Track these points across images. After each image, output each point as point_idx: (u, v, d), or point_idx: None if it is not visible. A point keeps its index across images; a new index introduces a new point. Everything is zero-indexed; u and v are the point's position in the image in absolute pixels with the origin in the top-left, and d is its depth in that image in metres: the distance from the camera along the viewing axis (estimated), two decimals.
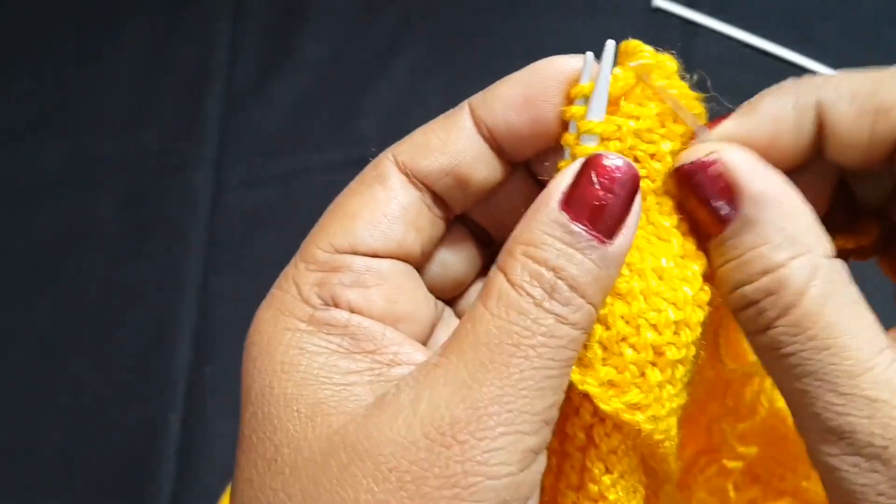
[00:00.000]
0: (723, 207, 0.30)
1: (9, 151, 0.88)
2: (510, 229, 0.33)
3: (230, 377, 0.76)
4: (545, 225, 0.28)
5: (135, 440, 0.75)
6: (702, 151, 0.31)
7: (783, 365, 0.29)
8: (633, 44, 0.31)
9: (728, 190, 0.30)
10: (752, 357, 0.38)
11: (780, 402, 0.39)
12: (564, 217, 0.28)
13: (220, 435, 0.74)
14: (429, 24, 0.90)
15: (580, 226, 0.28)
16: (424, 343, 0.32)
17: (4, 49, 0.94)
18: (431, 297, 0.34)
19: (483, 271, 0.36)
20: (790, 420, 0.40)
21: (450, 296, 0.35)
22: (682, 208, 0.32)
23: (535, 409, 0.27)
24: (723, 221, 0.30)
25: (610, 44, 0.31)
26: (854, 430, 0.28)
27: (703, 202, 0.30)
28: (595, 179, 0.28)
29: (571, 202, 0.28)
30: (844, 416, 0.28)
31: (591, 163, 0.29)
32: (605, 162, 0.29)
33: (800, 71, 0.82)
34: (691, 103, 0.32)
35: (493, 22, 0.90)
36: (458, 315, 0.35)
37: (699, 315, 0.30)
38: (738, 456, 0.39)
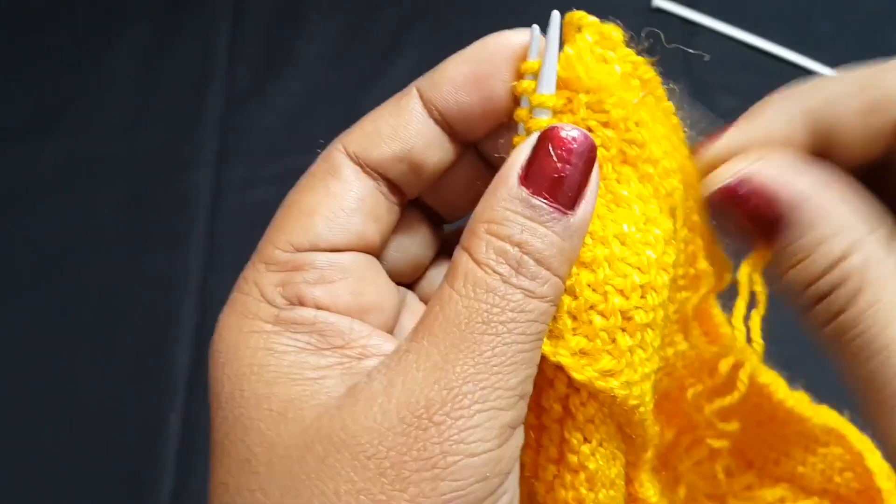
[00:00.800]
0: (770, 221, 0.31)
1: (9, 151, 0.88)
2: (462, 209, 0.34)
3: None
4: (506, 201, 0.28)
5: (135, 440, 0.75)
6: (727, 173, 0.31)
7: (855, 347, 0.30)
8: (577, 15, 0.32)
9: (769, 204, 0.31)
10: (727, 333, 0.38)
11: (763, 378, 0.39)
12: (525, 192, 0.28)
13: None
14: (429, 25, 0.90)
15: (541, 199, 0.28)
16: (391, 331, 0.32)
17: (4, 49, 0.94)
18: (394, 285, 0.33)
19: (440, 253, 0.36)
20: (776, 397, 0.40)
21: (409, 280, 0.35)
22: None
23: (509, 384, 0.27)
24: (775, 233, 0.31)
25: (555, 15, 0.31)
26: None
27: (752, 220, 0.31)
28: (552, 152, 0.28)
29: (530, 176, 0.28)
30: None
31: (547, 136, 0.29)
32: (562, 133, 0.29)
33: (800, 71, 0.82)
34: (643, 69, 0.32)
35: (492, 22, 0.89)
36: (422, 299, 0.35)
37: (664, 277, 0.30)
38: (720, 433, 0.39)
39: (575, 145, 0.29)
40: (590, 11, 0.32)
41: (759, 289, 0.34)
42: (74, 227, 0.84)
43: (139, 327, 0.79)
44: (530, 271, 0.28)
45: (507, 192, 0.28)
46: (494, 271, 0.28)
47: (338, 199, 0.31)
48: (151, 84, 0.90)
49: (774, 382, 0.40)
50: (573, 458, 0.31)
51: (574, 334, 0.29)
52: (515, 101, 0.31)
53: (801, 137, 0.32)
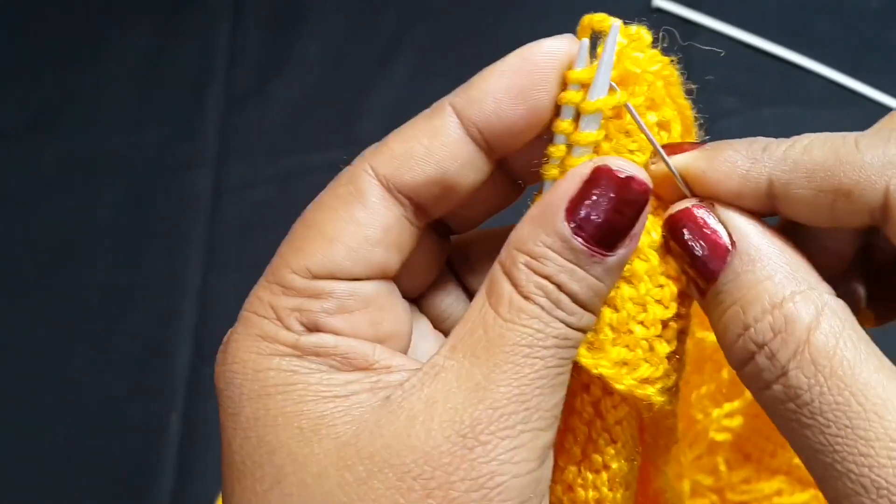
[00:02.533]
0: (712, 256, 0.29)
1: (9, 151, 0.88)
2: (474, 221, 0.33)
3: None
4: (548, 238, 0.28)
5: (135, 440, 0.75)
6: (689, 201, 0.30)
7: (801, 418, 0.26)
8: (597, 17, 0.31)
9: (715, 237, 0.29)
10: None
11: None
12: (567, 230, 0.27)
13: (220, 435, 0.74)
14: (428, 25, 0.90)
15: (582, 242, 0.27)
16: (405, 352, 0.32)
17: (4, 49, 0.94)
18: (408, 307, 0.33)
19: (446, 266, 0.35)
20: None
21: (415, 294, 0.35)
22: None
23: (548, 405, 0.27)
24: (716, 268, 0.29)
25: (615, 24, 0.30)
26: (893, 483, 0.25)
27: (694, 254, 0.29)
28: (605, 195, 0.28)
29: (576, 213, 0.28)
30: (882, 469, 0.25)
31: (602, 175, 0.28)
32: (617, 174, 0.28)
33: (800, 71, 0.82)
34: (668, 70, 0.31)
35: (493, 22, 0.90)
36: (426, 312, 0.35)
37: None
38: (723, 428, 0.39)
39: (629, 192, 0.28)
40: (590, 12, 0.32)
41: None
42: (74, 227, 0.84)
43: (139, 327, 0.79)
44: (568, 308, 0.28)
45: (551, 228, 0.28)
46: (536, 303, 0.28)
47: (362, 228, 0.30)
48: (151, 84, 0.90)
49: None
50: (598, 458, 0.31)
51: (614, 345, 0.30)
52: (555, 112, 0.30)
53: (758, 189, 0.29)
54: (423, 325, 0.34)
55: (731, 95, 0.78)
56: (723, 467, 0.42)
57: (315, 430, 0.27)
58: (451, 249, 0.35)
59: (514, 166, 0.32)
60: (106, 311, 0.80)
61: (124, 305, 0.80)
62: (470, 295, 0.36)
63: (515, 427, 0.27)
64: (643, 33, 0.31)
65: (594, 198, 0.28)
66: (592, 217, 0.27)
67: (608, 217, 0.28)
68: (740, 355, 0.28)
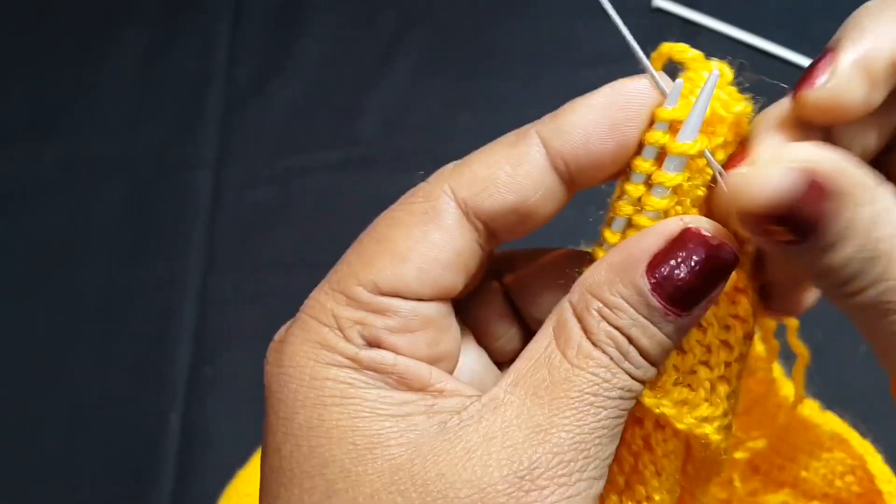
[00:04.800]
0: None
1: (9, 151, 0.88)
2: (522, 234, 0.32)
3: (230, 377, 0.76)
4: (625, 289, 0.27)
5: (135, 440, 0.75)
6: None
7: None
8: (678, 48, 0.30)
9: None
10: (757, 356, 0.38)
11: (784, 391, 0.39)
12: (646, 286, 0.27)
13: (220, 435, 0.74)
14: (429, 25, 0.90)
15: (659, 300, 0.27)
16: (453, 371, 0.32)
17: (4, 49, 0.94)
18: (459, 326, 0.32)
19: (508, 274, 0.35)
20: (790, 406, 0.40)
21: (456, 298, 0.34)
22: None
23: (605, 454, 0.27)
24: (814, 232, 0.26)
25: (715, 72, 0.29)
26: None
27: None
28: (692, 258, 0.27)
29: (657, 271, 0.27)
30: None
31: (692, 237, 0.27)
32: (710, 241, 0.27)
33: (800, 71, 0.82)
34: (745, 107, 0.31)
35: (493, 22, 0.90)
36: (467, 321, 0.34)
37: (752, 320, 0.31)
38: (745, 449, 0.39)
39: (718, 261, 0.27)
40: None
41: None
42: (74, 227, 0.84)
43: (139, 327, 0.79)
44: (635, 360, 0.28)
45: (629, 280, 0.27)
46: (605, 352, 0.27)
47: (435, 250, 0.29)
48: (151, 84, 0.90)
49: (792, 393, 0.40)
50: (641, 489, 0.31)
51: (676, 385, 0.30)
52: (637, 150, 0.30)
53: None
54: (465, 336, 0.34)
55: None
56: (738, 482, 0.43)
57: (370, 448, 0.27)
58: (494, 257, 0.35)
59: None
60: (106, 311, 0.80)
61: (124, 305, 0.80)
62: (512, 307, 0.35)
63: (573, 475, 0.26)
64: (726, 71, 0.30)
65: (679, 259, 0.27)
66: (674, 278, 0.27)
67: (690, 280, 0.27)
68: (836, 278, 0.27)
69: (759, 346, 0.38)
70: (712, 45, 0.84)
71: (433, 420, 0.28)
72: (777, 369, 0.39)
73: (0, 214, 0.85)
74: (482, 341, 0.35)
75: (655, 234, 0.28)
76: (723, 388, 0.30)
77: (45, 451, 0.75)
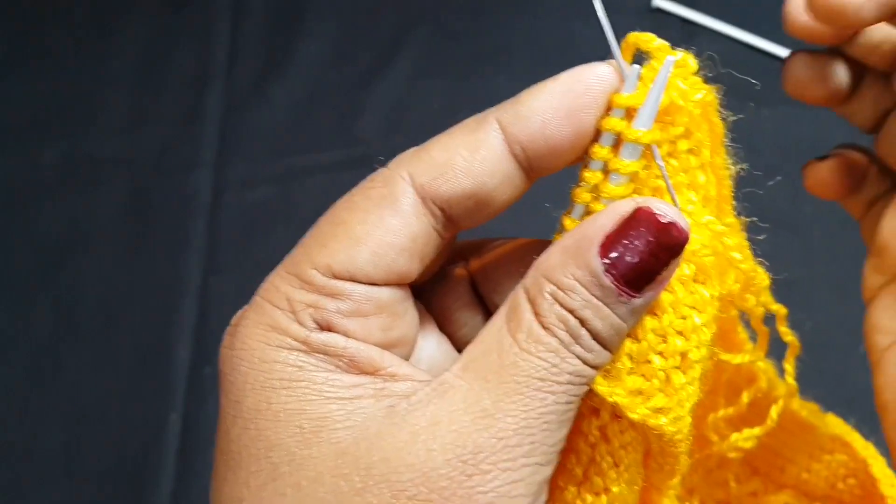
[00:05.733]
0: None
1: (9, 151, 0.88)
2: (481, 219, 0.32)
3: None
4: (578, 270, 0.27)
5: (135, 440, 0.75)
6: None
7: None
8: (644, 37, 0.30)
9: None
10: (747, 347, 0.38)
11: (779, 391, 0.39)
12: (599, 266, 0.27)
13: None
14: (429, 24, 0.90)
15: (612, 280, 0.27)
16: (409, 357, 0.31)
17: (4, 49, 0.94)
18: (416, 312, 0.32)
19: (448, 257, 0.35)
20: (791, 408, 0.40)
21: (418, 283, 0.34)
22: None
23: (552, 440, 0.27)
24: None
25: (671, 58, 0.29)
26: None
27: None
28: (644, 237, 0.27)
29: (610, 250, 0.27)
30: None
31: (644, 216, 0.27)
32: (660, 219, 0.27)
33: None
34: (710, 98, 0.31)
35: (493, 22, 0.90)
36: (430, 307, 0.34)
37: (714, 311, 0.30)
38: (738, 449, 0.39)
39: (670, 239, 0.27)
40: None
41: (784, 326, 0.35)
42: (74, 227, 0.84)
43: (139, 327, 0.79)
44: (587, 344, 0.28)
45: (583, 261, 0.27)
46: (555, 335, 0.27)
47: (390, 234, 0.29)
48: (151, 84, 0.90)
49: (790, 393, 0.40)
50: (598, 481, 0.31)
51: (630, 374, 0.29)
52: (594, 137, 0.29)
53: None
54: (427, 323, 0.34)
55: (731, 96, 0.78)
56: (733, 483, 0.42)
57: (315, 431, 0.27)
58: (457, 241, 0.35)
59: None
60: (106, 311, 0.80)
61: (124, 305, 0.80)
62: (478, 296, 0.35)
63: (517, 460, 0.26)
64: (689, 61, 0.30)
65: (631, 238, 0.27)
66: (627, 257, 0.27)
67: (643, 260, 0.27)
68: None
69: (747, 343, 0.38)
70: (712, 44, 0.84)
71: (381, 403, 0.28)
72: (771, 370, 0.38)
73: (1, 214, 0.86)
74: (446, 329, 0.34)
75: (608, 214, 0.28)
76: (678, 379, 0.30)
77: (45, 451, 0.75)
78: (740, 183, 0.33)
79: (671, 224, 0.27)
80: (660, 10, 0.86)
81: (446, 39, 0.89)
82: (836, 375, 0.66)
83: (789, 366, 0.37)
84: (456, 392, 0.27)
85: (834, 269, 0.69)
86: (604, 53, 0.30)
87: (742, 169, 0.33)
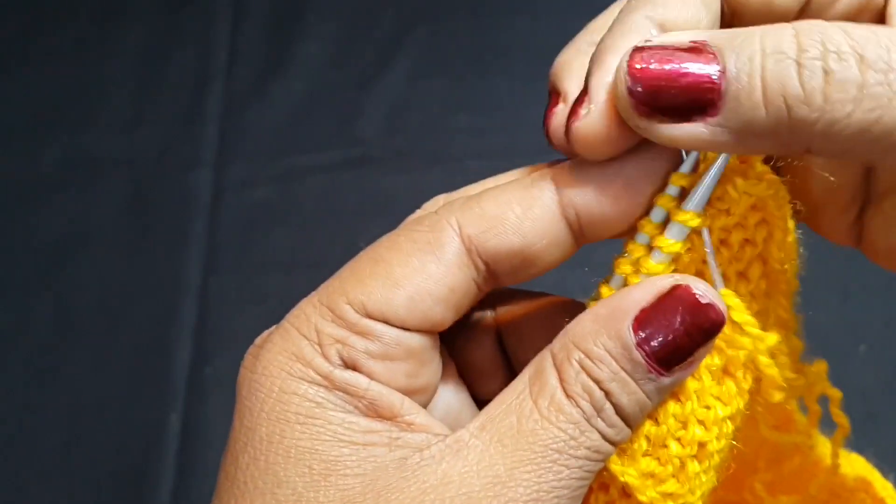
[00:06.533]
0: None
1: (9, 151, 0.88)
2: (524, 277, 0.31)
3: (230, 377, 0.75)
4: (609, 341, 0.27)
5: (135, 440, 0.75)
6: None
7: None
8: (751, 161, 0.29)
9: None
10: (799, 421, 0.37)
11: (820, 449, 0.39)
12: (631, 339, 0.27)
13: (220, 435, 0.74)
14: (429, 24, 0.90)
15: (643, 355, 0.27)
16: (428, 403, 0.31)
17: (4, 49, 0.94)
18: (441, 360, 0.32)
19: (505, 313, 0.34)
20: (828, 464, 0.40)
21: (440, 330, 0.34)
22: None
23: None
24: None
25: (726, 155, 0.28)
26: None
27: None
28: (680, 315, 0.27)
29: (644, 325, 0.27)
30: None
31: (682, 295, 0.27)
32: (699, 299, 0.27)
33: None
34: (778, 189, 0.30)
35: (492, 22, 0.90)
36: (450, 351, 0.33)
37: (741, 404, 0.30)
38: None
39: (705, 321, 0.27)
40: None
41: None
42: (74, 227, 0.84)
43: (139, 327, 0.79)
44: (610, 419, 0.27)
45: (615, 332, 0.27)
46: (578, 405, 0.27)
47: (430, 282, 0.28)
48: (151, 84, 0.90)
49: (827, 451, 0.40)
50: None
51: (645, 456, 0.29)
52: (646, 209, 0.29)
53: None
54: (447, 369, 0.33)
55: None
56: None
57: (325, 474, 0.27)
58: (490, 291, 0.34)
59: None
60: (106, 311, 0.80)
61: (124, 305, 0.80)
62: (502, 348, 0.34)
63: None
64: (781, 191, 0.30)
65: (667, 315, 0.27)
66: (660, 334, 0.27)
67: (676, 338, 0.27)
68: None
69: (799, 416, 0.38)
70: None
71: (394, 454, 0.27)
72: (816, 439, 0.38)
73: (1, 214, 0.85)
74: (467, 377, 0.34)
75: (645, 288, 0.27)
76: (692, 468, 0.29)
77: (45, 451, 0.75)
78: None
79: (709, 305, 0.27)
80: None
81: (446, 39, 0.89)
82: (837, 375, 0.66)
83: (836, 446, 0.37)
84: (470, 452, 0.27)
85: (834, 269, 0.69)
86: None
87: None
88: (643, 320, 0.27)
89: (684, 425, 0.29)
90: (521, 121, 0.84)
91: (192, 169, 0.85)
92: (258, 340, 0.30)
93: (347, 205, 0.81)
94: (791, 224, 0.31)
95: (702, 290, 0.27)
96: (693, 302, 0.27)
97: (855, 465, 0.42)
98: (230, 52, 0.90)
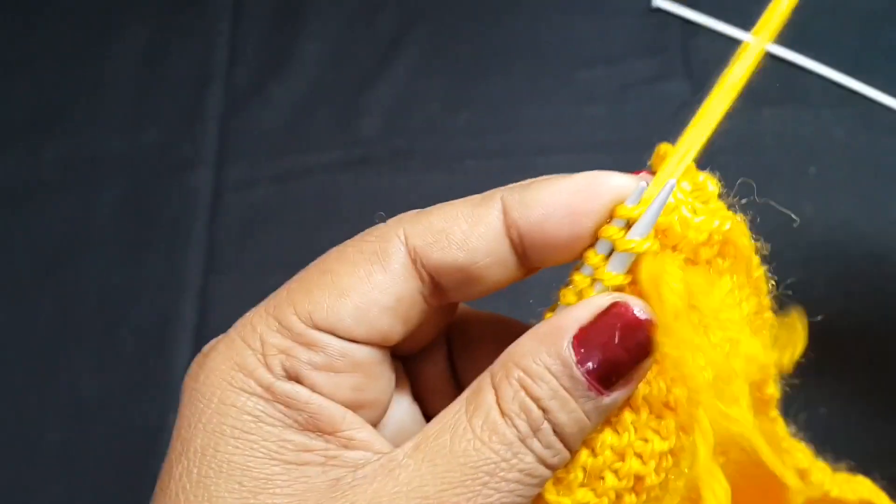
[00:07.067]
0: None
1: (9, 151, 0.88)
2: (469, 294, 0.31)
3: None
4: (549, 359, 0.27)
5: (135, 440, 0.75)
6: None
7: None
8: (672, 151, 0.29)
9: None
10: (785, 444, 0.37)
11: (818, 478, 0.39)
12: (571, 357, 0.27)
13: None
14: (429, 24, 0.90)
15: (583, 373, 0.26)
16: (378, 422, 0.31)
17: (4, 49, 0.94)
18: (393, 376, 0.32)
19: (446, 329, 0.34)
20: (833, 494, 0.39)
21: (405, 353, 0.33)
22: None
23: None
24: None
25: (672, 182, 0.28)
26: None
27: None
28: (617, 332, 0.27)
29: (583, 343, 0.27)
30: None
31: (619, 312, 0.27)
32: (636, 314, 0.27)
33: (800, 71, 0.82)
34: (736, 228, 0.30)
35: (492, 22, 0.90)
36: (406, 369, 0.33)
37: (682, 441, 0.30)
38: None
39: (641, 334, 0.27)
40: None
41: None
42: (74, 227, 0.84)
43: (139, 327, 0.79)
44: (547, 439, 0.27)
45: (554, 350, 0.27)
46: (513, 425, 0.26)
47: (376, 292, 0.28)
48: (151, 84, 0.90)
49: (825, 475, 0.39)
50: None
51: (581, 486, 0.29)
52: (592, 242, 0.29)
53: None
54: (402, 387, 0.33)
55: None
56: None
57: (254, 493, 0.26)
58: (452, 318, 0.34)
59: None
60: (106, 311, 0.80)
61: (124, 305, 0.80)
62: (454, 372, 0.34)
63: None
64: (709, 184, 0.30)
65: (605, 332, 0.27)
66: (599, 351, 0.27)
67: (616, 355, 0.27)
68: None
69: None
70: (712, 45, 0.84)
71: (328, 475, 0.27)
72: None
73: (1, 214, 0.85)
74: (420, 396, 0.34)
75: (584, 307, 0.27)
76: (630, 500, 0.29)
77: (45, 450, 0.75)
78: (740, 187, 0.32)
79: (647, 321, 0.27)
80: (660, 10, 0.86)
81: (446, 39, 0.89)
82: (836, 375, 0.66)
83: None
84: (402, 472, 0.26)
85: (834, 269, 0.69)
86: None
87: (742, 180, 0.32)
88: (582, 338, 0.27)
89: (621, 457, 0.29)
90: (521, 121, 0.84)
91: (192, 169, 0.85)
92: (205, 348, 0.31)
93: (347, 205, 0.81)
94: (756, 259, 0.31)
95: (640, 306, 0.27)
96: (631, 318, 0.27)
97: (861, 488, 0.42)
98: (230, 52, 0.90)
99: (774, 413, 0.36)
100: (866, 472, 0.43)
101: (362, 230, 0.31)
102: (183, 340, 0.78)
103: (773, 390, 0.35)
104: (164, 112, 0.89)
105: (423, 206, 0.33)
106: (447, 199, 0.31)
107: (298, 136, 0.86)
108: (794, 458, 0.38)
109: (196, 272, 0.81)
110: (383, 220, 0.31)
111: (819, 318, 0.35)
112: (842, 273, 0.71)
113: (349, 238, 0.31)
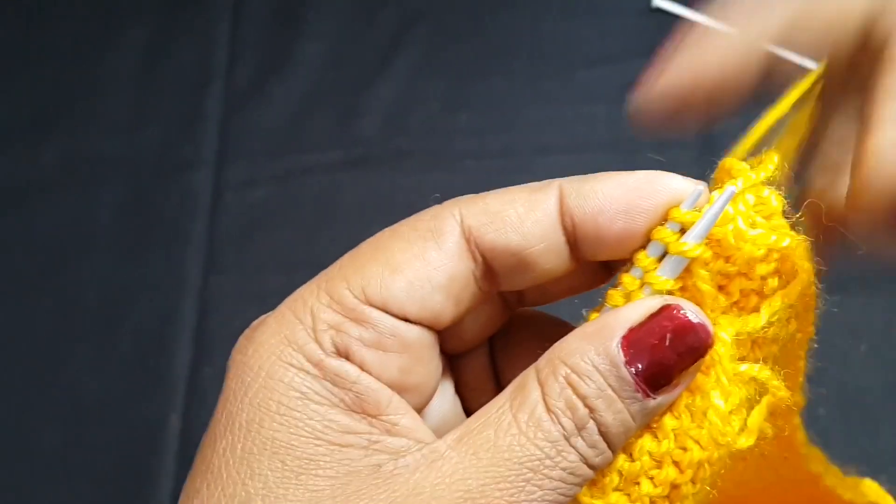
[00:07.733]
0: None
1: (9, 151, 0.88)
2: (547, 298, 0.31)
3: None
4: (597, 357, 0.26)
5: (135, 440, 0.75)
6: None
7: None
8: (737, 165, 0.29)
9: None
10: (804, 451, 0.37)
11: (829, 481, 0.39)
12: (620, 357, 0.26)
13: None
14: (429, 24, 0.90)
15: (631, 374, 0.26)
16: (422, 409, 0.31)
17: (4, 49, 0.94)
18: (441, 365, 0.31)
19: (501, 330, 0.34)
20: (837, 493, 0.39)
21: (456, 352, 0.33)
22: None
23: None
24: None
25: (730, 189, 0.28)
26: None
27: None
28: (668, 334, 0.27)
29: (633, 343, 0.26)
30: None
31: (671, 314, 0.27)
32: (688, 318, 0.27)
33: (799, 71, 0.82)
34: (796, 245, 0.29)
35: (493, 22, 0.90)
36: (459, 374, 0.33)
37: (722, 451, 0.29)
38: None
39: (693, 339, 0.27)
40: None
41: None
42: (74, 227, 0.84)
43: (139, 327, 0.79)
44: (591, 439, 0.26)
45: (603, 349, 0.26)
46: (558, 421, 0.26)
47: (429, 269, 0.28)
48: (151, 84, 0.90)
49: (836, 479, 0.39)
50: None
51: (616, 490, 0.28)
52: (644, 244, 0.29)
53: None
54: (447, 379, 0.33)
55: None
56: None
57: (296, 472, 0.26)
58: (512, 315, 0.34)
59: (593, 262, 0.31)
60: (106, 311, 0.80)
61: (124, 305, 0.80)
62: (495, 370, 0.34)
63: None
64: (773, 199, 0.29)
65: (655, 334, 0.27)
66: (648, 353, 0.26)
67: (665, 357, 0.26)
68: None
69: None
70: None
71: (370, 459, 0.27)
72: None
73: (1, 214, 0.86)
74: (460, 394, 0.34)
75: (635, 308, 0.27)
76: None
77: (45, 451, 0.75)
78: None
79: (699, 325, 0.27)
80: (660, 10, 0.86)
81: (446, 39, 0.89)
82: (836, 375, 0.67)
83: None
84: (445, 464, 0.26)
85: (834, 269, 0.69)
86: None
87: None
88: (632, 339, 0.27)
89: (659, 464, 0.29)
90: (521, 121, 0.84)
91: (192, 169, 0.85)
92: (254, 323, 0.30)
93: (347, 205, 0.82)
94: (813, 280, 0.31)
95: (691, 310, 0.27)
96: (683, 321, 0.27)
97: (868, 492, 0.42)
98: (230, 52, 0.90)
99: (797, 420, 0.36)
100: (866, 474, 0.43)
101: (362, 230, 0.31)
102: (183, 340, 0.78)
103: (800, 398, 0.35)
104: (164, 112, 0.89)
105: (422, 207, 0.33)
106: (447, 200, 0.31)
107: (298, 136, 0.86)
108: (809, 462, 0.38)
109: (196, 272, 0.81)
110: (438, 201, 0.30)
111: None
112: (841, 273, 0.71)
113: (349, 238, 0.31)
